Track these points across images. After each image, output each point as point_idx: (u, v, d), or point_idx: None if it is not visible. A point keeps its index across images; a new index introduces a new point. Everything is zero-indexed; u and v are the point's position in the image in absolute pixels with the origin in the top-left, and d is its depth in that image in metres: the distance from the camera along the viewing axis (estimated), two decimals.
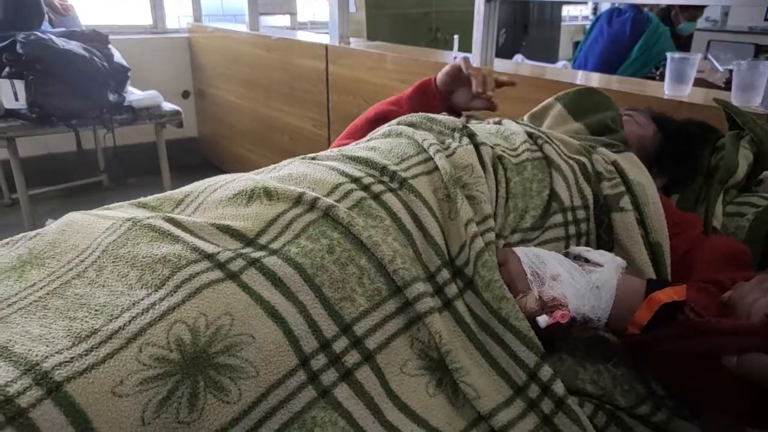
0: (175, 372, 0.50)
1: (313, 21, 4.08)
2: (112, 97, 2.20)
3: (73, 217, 0.72)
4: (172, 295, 0.54)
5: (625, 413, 0.67)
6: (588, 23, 4.78)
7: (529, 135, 0.91)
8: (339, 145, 1.08)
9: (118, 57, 2.30)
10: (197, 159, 3.60)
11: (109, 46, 2.27)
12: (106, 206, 0.77)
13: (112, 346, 0.50)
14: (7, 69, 2.04)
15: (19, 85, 2.03)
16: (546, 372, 0.63)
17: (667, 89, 1.44)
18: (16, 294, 0.60)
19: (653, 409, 0.67)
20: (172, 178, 2.62)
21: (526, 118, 1.15)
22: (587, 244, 0.84)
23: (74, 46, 2.10)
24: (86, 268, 0.62)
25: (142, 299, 0.54)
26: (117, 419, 0.46)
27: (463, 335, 0.67)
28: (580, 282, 0.70)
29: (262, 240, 0.64)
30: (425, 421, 0.59)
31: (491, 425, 0.61)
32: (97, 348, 0.49)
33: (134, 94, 2.39)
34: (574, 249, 0.79)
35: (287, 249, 0.63)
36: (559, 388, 0.63)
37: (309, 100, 2.61)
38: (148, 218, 0.65)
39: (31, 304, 0.57)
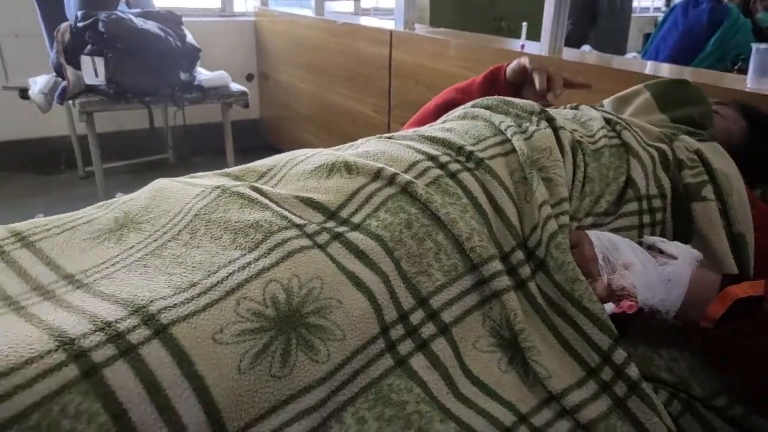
0: (270, 328, 0.52)
1: (377, 7, 4.09)
2: (183, 76, 2.28)
3: (162, 183, 0.76)
4: (266, 256, 0.57)
5: (701, 404, 0.66)
6: (660, 15, 4.60)
7: (607, 121, 0.89)
8: None
9: (190, 38, 2.38)
10: (259, 141, 3.68)
11: (182, 26, 2.35)
12: (191, 175, 0.81)
13: (211, 296, 0.52)
14: (89, 47, 2.14)
15: (99, 62, 2.13)
16: (620, 355, 0.63)
17: (749, 82, 1.38)
18: (117, 255, 0.65)
19: (730, 402, 0.66)
20: (235, 158, 2.70)
21: (609, 101, 1.12)
22: (662, 234, 0.82)
23: (151, 25, 2.18)
24: (180, 231, 0.66)
25: (237, 258, 0.57)
26: (217, 364, 0.49)
27: (535, 315, 0.68)
28: (652, 273, 0.69)
29: (344, 213, 0.66)
30: (498, 395, 0.60)
31: (562, 404, 0.61)
32: (197, 298, 0.52)
33: (203, 74, 2.47)
34: (648, 239, 0.78)
35: (368, 223, 0.64)
36: (633, 372, 0.62)
37: (370, 85, 2.63)
38: (236, 186, 0.68)
39: (131, 263, 0.61)
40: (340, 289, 0.57)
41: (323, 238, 0.62)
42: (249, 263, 0.56)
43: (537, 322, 0.68)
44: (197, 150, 3.28)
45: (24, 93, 3.15)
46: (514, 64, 1.11)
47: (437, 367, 0.60)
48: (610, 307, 0.68)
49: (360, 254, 0.61)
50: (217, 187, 0.70)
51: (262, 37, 3.51)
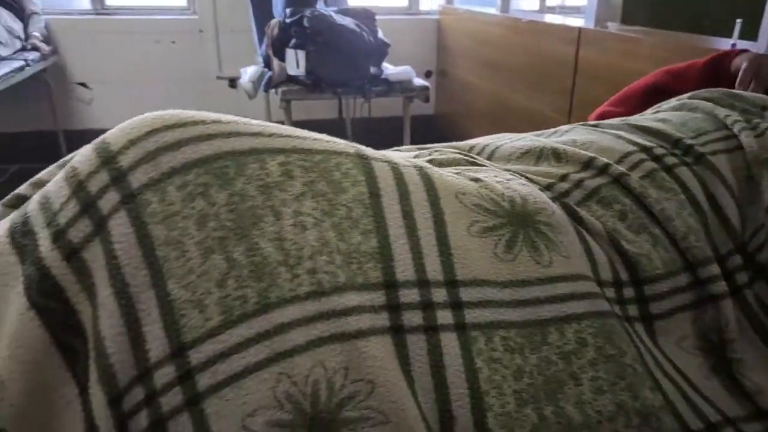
0: (501, 215, 0.55)
1: (562, 5, 3.96)
2: (372, 69, 2.43)
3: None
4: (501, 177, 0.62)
5: None
6: None
7: None
8: (604, 112, 1.05)
9: (380, 34, 2.52)
10: (433, 136, 3.77)
11: (375, 23, 2.50)
12: (394, 148, 0.87)
13: (458, 175, 0.59)
14: (293, 40, 2.36)
15: (302, 54, 2.35)
16: None
17: None
18: None
19: None
20: None
21: None
22: None
23: (348, 22, 2.35)
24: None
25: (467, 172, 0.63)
26: (455, 212, 0.53)
27: (747, 326, 0.63)
28: None
29: (555, 189, 0.67)
30: (701, 392, 0.58)
31: None
32: (446, 170, 0.60)
33: (389, 69, 2.60)
34: None
35: (582, 209, 0.64)
36: None
37: (551, 83, 2.57)
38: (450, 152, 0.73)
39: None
40: (569, 230, 0.58)
41: (546, 195, 0.64)
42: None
43: (749, 333, 0.63)
44: (373, 141, 3.45)
45: (233, 82, 3.57)
46: (743, 62, 1.01)
47: (641, 344, 0.59)
48: None
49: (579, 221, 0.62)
50: (422, 147, 0.76)
51: (444, 35, 3.59)
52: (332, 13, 2.36)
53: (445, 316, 0.47)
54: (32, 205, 0.47)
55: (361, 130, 3.09)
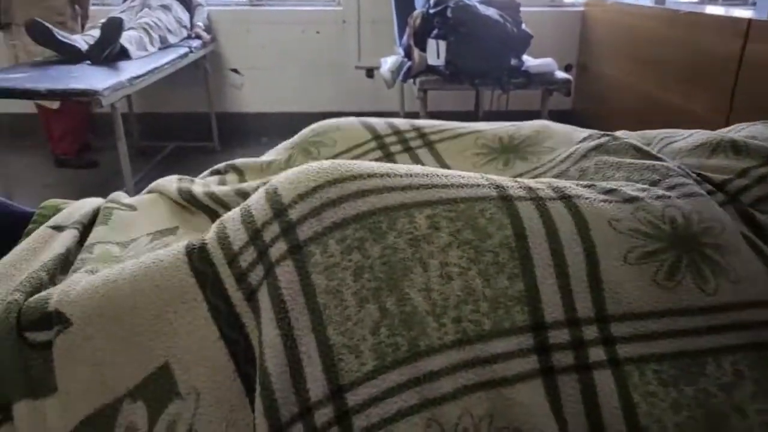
0: (662, 238, 0.53)
1: None
2: (513, 61, 2.38)
3: (545, 122, 0.82)
4: (662, 190, 0.57)
5: None
6: None
7: None
8: None
9: (524, 25, 2.46)
10: None
11: (520, 13, 2.45)
12: (572, 126, 0.85)
13: (612, 198, 0.56)
14: (435, 31, 2.38)
15: (442, 45, 2.36)
16: None
17: None
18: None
19: None
20: None
21: None
22: None
23: (492, 12, 2.33)
24: (568, 168, 0.70)
25: (624, 187, 0.59)
26: (608, 242, 0.52)
27: None
28: None
29: (730, 188, 0.63)
30: None
31: None
32: (598, 193, 0.56)
33: (530, 61, 2.54)
34: None
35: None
36: None
37: (707, 81, 2.37)
38: (625, 138, 0.70)
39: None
40: (740, 249, 0.54)
41: (718, 198, 0.60)
42: (640, 193, 0.57)
43: None
44: None
45: (370, 72, 3.67)
46: None
47: None
48: None
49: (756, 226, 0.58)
50: (605, 134, 0.73)
51: (588, 28, 3.43)
52: (476, 4, 2.35)
53: (597, 354, 0.47)
54: (210, 235, 0.52)
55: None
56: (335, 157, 0.76)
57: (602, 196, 0.55)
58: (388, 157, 0.77)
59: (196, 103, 3.56)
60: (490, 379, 0.45)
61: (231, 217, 0.52)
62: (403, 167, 0.53)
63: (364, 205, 0.48)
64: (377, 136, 0.79)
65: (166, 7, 3.11)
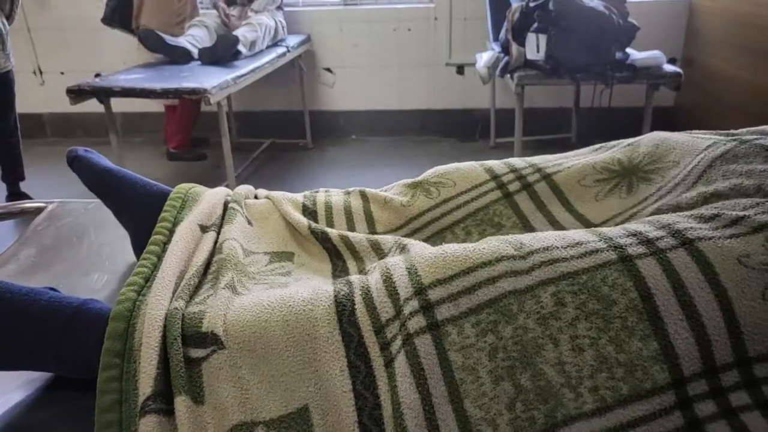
0: None
1: None
2: (618, 54, 2.28)
3: (662, 134, 0.78)
4: None
5: None
6: None
7: None
8: None
9: (631, 16, 2.36)
10: (672, 131, 3.45)
11: (625, 4, 2.34)
12: (687, 131, 0.81)
13: (738, 229, 0.53)
14: (535, 24, 2.32)
15: (542, 38, 2.30)
16: None
17: None
18: (633, 207, 0.71)
19: None
20: None
21: None
22: None
23: (597, 3, 2.24)
24: (694, 183, 0.67)
25: (753, 210, 0.55)
26: (740, 284, 0.49)
27: None
28: None
29: None
30: None
31: None
32: (722, 228, 0.53)
33: (635, 54, 2.42)
34: None
35: None
36: None
37: None
38: (756, 139, 0.65)
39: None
40: None
41: None
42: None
43: None
44: (606, 134, 3.27)
45: (460, 69, 3.65)
46: None
47: None
48: None
49: None
50: (734, 138, 0.68)
51: (696, 19, 3.24)
52: None
53: (740, 398, 0.47)
54: (358, 296, 0.56)
55: (594, 120, 2.94)
56: (456, 196, 0.79)
57: (728, 231, 0.53)
58: (507, 197, 0.79)
59: (290, 101, 3.67)
60: None
61: (375, 287, 0.56)
62: (527, 242, 0.56)
63: (495, 291, 0.52)
64: (495, 176, 0.81)
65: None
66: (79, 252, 0.89)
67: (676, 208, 0.66)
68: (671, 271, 0.50)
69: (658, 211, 0.67)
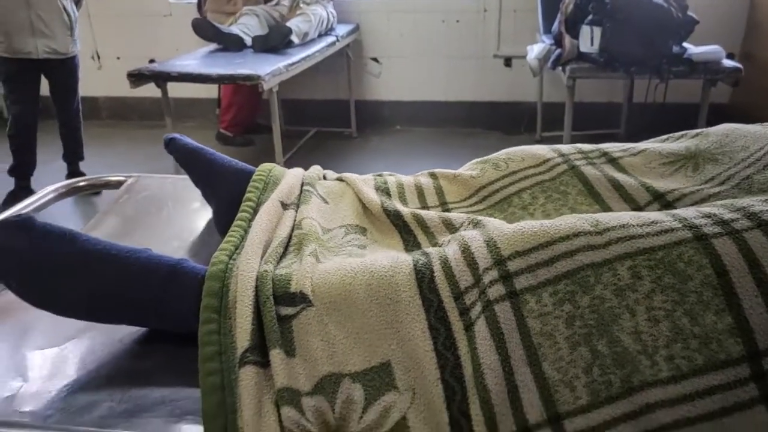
0: None
1: None
2: (675, 48, 2.24)
3: (732, 125, 0.79)
4: None
5: None
6: None
7: None
8: None
9: (690, 9, 2.31)
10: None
11: None
12: (760, 123, 0.81)
13: None
14: (590, 17, 2.30)
15: (597, 31, 2.27)
16: None
17: None
18: (698, 184, 0.71)
19: None
20: None
21: None
22: None
23: None
24: (765, 166, 0.68)
25: None
26: None
27: None
28: None
29: None
30: None
31: None
32: None
33: (693, 48, 2.37)
34: None
35: None
36: None
37: None
38: None
39: (714, 192, 0.67)
40: None
41: None
42: None
43: None
44: (651, 129, 3.21)
45: (508, 61, 3.62)
46: None
47: None
48: None
49: None
50: None
51: (757, 11, 3.14)
52: None
53: None
54: (437, 265, 0.58)
55: (648, 115, 2.88)
56: (524, 169, 0.82)
57: None
58: (573, 168, 0.80)
59: (337, 90, 3.71)
60: (711, 411, 0.48)
61: (453, 258, 0.59)
62: (602, 220, 0.57)
63: (572, 263, 0.54)
64: (563, 155, 0.83)
65: None
66: (159, 221, 0.94)
67: (748, 190, 0.67)
68: (747, 250, 0.51)
69: (726, 192, 0.68)
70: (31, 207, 0.91)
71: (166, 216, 0.96)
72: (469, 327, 0.54)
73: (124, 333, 0.67)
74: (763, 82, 3.03)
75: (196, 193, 0.89)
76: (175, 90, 2.99)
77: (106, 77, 3.88)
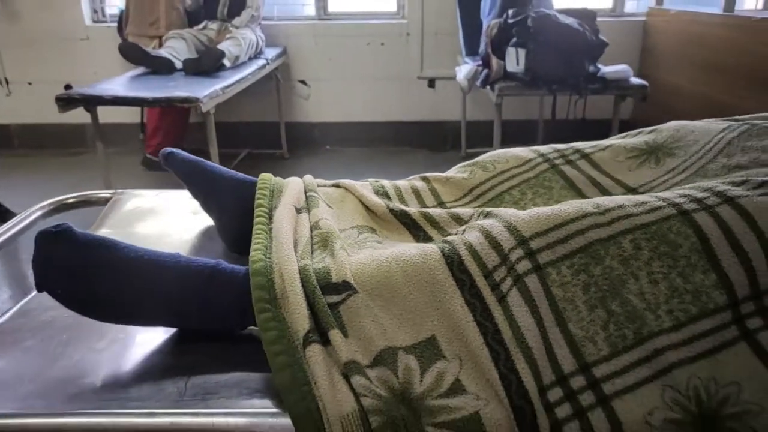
0: None
1: None
2: (590, 68, 2.46)
3: (679, 123, 0.92)
4: None
5: None
6: None
7: None
8: None
9: (600, 33, 2.55)
10: None
11: (596, 21, 2.53)
12: (708, 120, 0.94)
13: (765, 190, 0.64)
14: (514, 39, 2.48)
15: (521, 52, 2.45)
16: None
17: None
18: (662, 176, 0.82)
19: None
20: None
21: None
22: None
23: (572, 21, 2.42)
24: (715, 156, 0.80)
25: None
26: None
27: None
28: None
29: None
30: None
31: None
32: (753, 189, 0.64)
33: (604, 68, 2.61)
34: None
35: None
36: None
37: None
38: (765, 123, 0.78)
39: (676, 182, 0.77)
40: None
41: None
42: None
43: None
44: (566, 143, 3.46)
45: (431, 82, 3.79)
46: None
47: None
48: None
49: None
50: (744, 123, 0.81)
51: (650, 38, 3.50)
52: (556, 14, 2.44)
53: None
54: (462, 250, 0.65)
55: (565, 131, 3.11)
56: (510, 169, 0.91)
57: (758, 191, 0.65)
58: (554, 167, 0.90)
59: (267, 112, 3.71)
60: (706, 350, 0.58)
61: (477, 242, 0.65)
62: (602, 203, 0.66)
63: (584, 240, 0.63)
64: (542, 155, 0.92)
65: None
66: (149, 234, 0.93)
67: (703, 176, 0.78)
68: (721, 221, 0.62)
69: (687, 179, 0.79)
70: (19, 227, 0.88)
71: (153, 229, 0.95)
72: (502, 299, 0.61)
73: (156, 333, 0.68)
74: (662, 99, 3.38)
75: (187, 205, 0.90)
76: (99, 115, 2.88)
77: (16, 103, 3.66)
